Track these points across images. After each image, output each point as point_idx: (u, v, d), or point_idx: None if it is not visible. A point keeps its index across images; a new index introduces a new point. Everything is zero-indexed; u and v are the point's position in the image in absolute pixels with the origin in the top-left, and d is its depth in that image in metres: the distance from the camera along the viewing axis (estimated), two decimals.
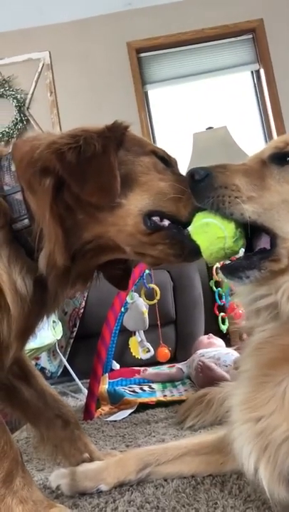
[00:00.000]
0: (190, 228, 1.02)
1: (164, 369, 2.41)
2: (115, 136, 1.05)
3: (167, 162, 1.10)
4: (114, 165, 0.99)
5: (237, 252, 1.01)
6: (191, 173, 1.00)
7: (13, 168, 1.02)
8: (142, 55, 4.62)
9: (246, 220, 0.95)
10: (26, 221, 0.99)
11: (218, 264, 2.39)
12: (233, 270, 0.97)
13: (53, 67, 4.55)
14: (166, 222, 1.03)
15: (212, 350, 2.23)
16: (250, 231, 0.98)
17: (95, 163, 0.98)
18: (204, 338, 2.47)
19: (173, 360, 2.51)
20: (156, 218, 1.02)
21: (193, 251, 1.01)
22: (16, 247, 0.99)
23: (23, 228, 0.99)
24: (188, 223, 1.02)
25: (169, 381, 2.30)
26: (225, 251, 0.98)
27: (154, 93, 4.68)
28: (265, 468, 0.91)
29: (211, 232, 0.98)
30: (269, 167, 1.01)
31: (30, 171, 0.99)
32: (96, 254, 1.07)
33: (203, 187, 0.98)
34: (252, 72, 4.70)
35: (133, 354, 2.41)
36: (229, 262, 1.01)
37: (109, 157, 0.99)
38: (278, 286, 0.96)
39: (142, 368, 2.38)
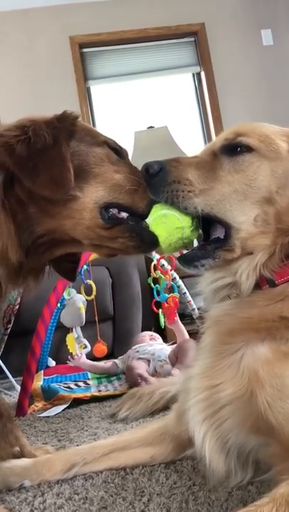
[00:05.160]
0: (148, 219, 1.04)
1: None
2: (65, 126, 1.02)
3: (119, 153, 1.09)
4: (67, 156, 0.97)
5: (193, 242, 1.05)
6: (146, 167, 1.01)
7: None
8: (85, 50, 4.58)
9: (199, 213, 0.98)
10: None
11: (155, 261, 2.45)
12: (189, 260, 1.01)
13: None
14: (123, 215, 1.03)
15: (147, 345, 2.25)
16: (207, 221, 1.01)
17: (46, 155, 0.95)
18: (146, 336, 2.46)
19: (110, 356, 2.52)
20: (114, 210, 1.02)
21: (152, 242, 1.03)
22: None
23: None
24: (146, 215, 1.04)
25: (103, 373, 2.31)
26: (183, 241, 1.02)
27: (96, 89, 4.65)
28: (211, 437, 0.94)
29: (170, 223, 1.01)
30: (220, 158, 1.03)
31: None
32: (49, 249, 1.06)
33: (157, 181, 1.00)
34: (193, 74, 4.81)
35: (70, 350, 2.40)
36: (186, 251, 1.04)
37: (60, 148, 0.97)
38: (235, 270, 1.00)
39: (80, 353, 2.34)
